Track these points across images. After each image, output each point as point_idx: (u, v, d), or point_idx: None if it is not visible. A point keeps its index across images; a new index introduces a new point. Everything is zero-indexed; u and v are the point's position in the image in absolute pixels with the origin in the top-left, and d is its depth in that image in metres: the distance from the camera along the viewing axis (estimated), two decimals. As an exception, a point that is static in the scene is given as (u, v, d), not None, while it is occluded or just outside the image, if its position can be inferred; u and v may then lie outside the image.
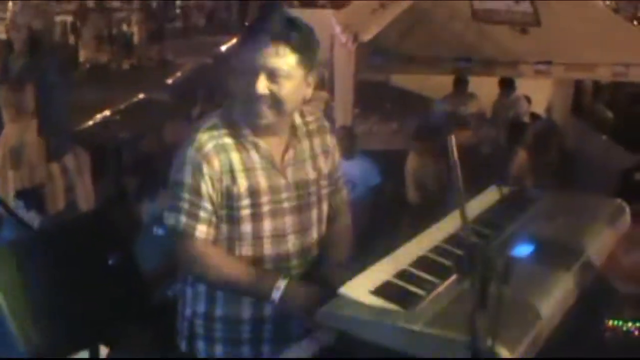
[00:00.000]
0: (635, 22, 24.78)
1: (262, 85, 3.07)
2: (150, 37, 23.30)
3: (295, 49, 3.08)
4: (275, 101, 3.12)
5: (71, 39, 21.89)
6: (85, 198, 9.11)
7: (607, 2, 28.42)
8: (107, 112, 14.28)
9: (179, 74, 19.58)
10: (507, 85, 11.44)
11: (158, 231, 6.60)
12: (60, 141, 10.64)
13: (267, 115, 3.15)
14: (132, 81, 18.71)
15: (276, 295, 3.13)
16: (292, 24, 3.11)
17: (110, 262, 4.33)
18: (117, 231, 4.97)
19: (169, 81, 17.83)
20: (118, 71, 20.86)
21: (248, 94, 3.09)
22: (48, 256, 4.10)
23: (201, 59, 20.13)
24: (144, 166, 9.65)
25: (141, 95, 16.17)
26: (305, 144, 3.38)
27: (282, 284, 3.14)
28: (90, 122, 13.24)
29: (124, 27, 23.96)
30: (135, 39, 23.19)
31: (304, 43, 3.12)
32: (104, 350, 4.59)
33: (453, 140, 2.46)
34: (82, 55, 21.31)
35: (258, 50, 3.04)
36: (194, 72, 19.07)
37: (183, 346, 3.51)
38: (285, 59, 3.07)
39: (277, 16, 3.09)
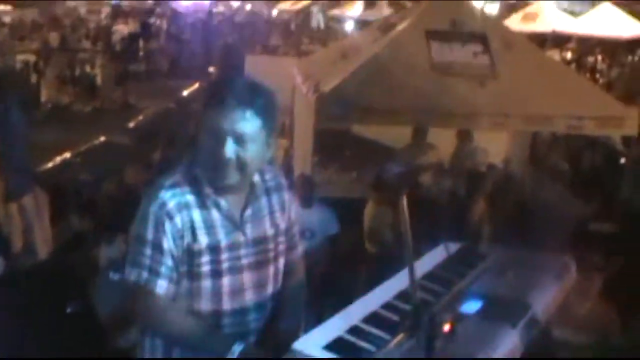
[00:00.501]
0: (597, 75, 25.24)
1: (230, 149, 3.16)
2: (114, 80, 23.24)
3: (260, 113, 3.18)
4: (241, 164, 3.21)
5: (33, 79, 21.79)
6: (43, 240, 9.06)
7: (568, 53, 28.97)
8: (67, 154, 14.23)
9: (141, 117, 19.55)
10: (464, 136, 11.53)
11: (114, 277, 6.62)
12: (20, 181, 10.60)
13: (233, 177, 3.24)
14: (93, 123, 18.64)
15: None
16: (256, 89, 3.22)
17: (68, 310, 4.36)
18: (75, 278, 5.00)
19: (131, 125, 17.80)
20: (80, 113, 20.76)
21: (215, 157, 3.17)
22: (8, 303, 4.12)
23: (163, 103, 20.12)
24: (103, 209, 9.65)
25: (102, 138, 16.13)
26: (264, 201, 3.46)
27: (237, 348, 3.18)
28: (51, 164, 13.19)
29: (87, 69, 23.89)
30: (99, 80, 23.13)
31: (268, 108, 3.22)
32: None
33: (404, 201, 2.56)
34: (44, 96, 21.18)
35: (225, 115, 3.13)
36: (156, 116, 19.06)
37: None
38: (250, 124, 3.16)
39: (241, 81, 3.20)
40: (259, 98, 3.20)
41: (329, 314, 3.18)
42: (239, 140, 3.17)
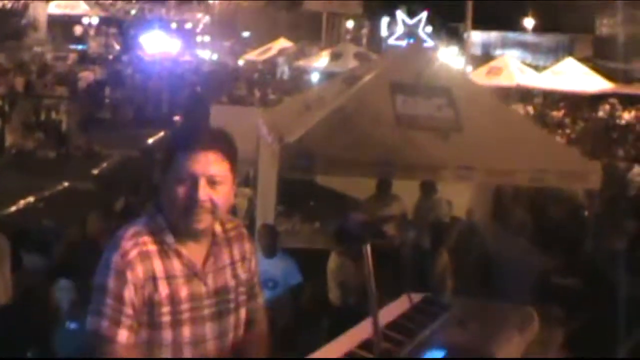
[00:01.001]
0: (561, 130, 25.54)
1: (204, 191, 3.17)
2: (79, 126, 23.20)
3: (227, 155, 3.22)
4: (213, 206, 3.22)
5: (-3, 124, 21.75)
6: (4, 288, 8.99)
7: (530, 108, 29.33)
8: (31, 199, 14.18)
9: (105, 164, 19.53)
10: (428, 188, 11.61)
11: (70, 325, 6.58)
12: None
13: (205, 220, 3.25)
14: (58, 169, 18.60)
15: None
16: (222, 133, 3.26)
17: (28, 355, 4.33)
18: (35, 325, 4.96)
19: (95, 171, 17.77)
20: (44, 158, 20.70)
21: (188, 200, 3.18)
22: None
23: (128, 151, 20.10)
24: (63, 255, 9.59)
25: (66, 184, 16.08)
26: (225, 251, 3.46)
27: None
28: (14, 208, 13.13)
29: (53, 115, 23.85)
30: (64, 126, 23.07)
31: (233, 151, 3.26)
32: None
33: (368, 249, 2.58)
34: (9, 140, 21.12)
35: (197, 158, 3.15)
36: (120, 164, 19.05)
37: None
38: (220, 166, 3.19)
39: (207, 127, 3.22)
40: (225, 141, 3.24)
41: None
42: (210, 182, 3.18)
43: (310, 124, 9.38)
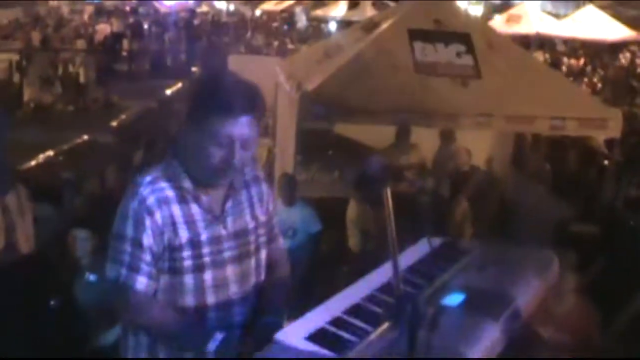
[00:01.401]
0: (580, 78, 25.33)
1: (239, 154, 3.19)
2: (97, 79, 23.17)
3: (261, 116, 3.26)
4: (242, 165, 3.27)
5: (16, 78, 21.69)
6: (26, 239, 9.03)
7: (547, 55, 29.08)
8: (50, 153, 14.20)
9: (123, 117, 19.50)
10: (447, 136, 11.55)
11: (89, 277, 6.61)
12: (1, 180, 10.56)
13: (231, 177, 3.31)
14: (76, 122, 18.59)
15: (212, 347, 3.17)
16: (256, 91, 3.24)
17: (51, 304, 4.35)
18: (58, 274, 4.98)
19: (114, 124, 17.76)
20: (63, 112, 20.69)
21: (222, 162, 3.19)
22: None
23: (146, 102, 20.07)
24: (83, 208, 9.62)
25: (85, 137, 16.09)
26: (243, 194, 3.47)
27: (219, 336, 3.19)
28: (33, 162, 13.16)
29: (70, 68, 23.80)
30: (81, 80, 23.04)
31: (265, 110, 3.25)
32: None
33: (388, 192, 2.56)
34: (27, 95, 21.10)
35: (234, 122, 3.14)
36: (139, 115, 19.02)
37: None
38: (254, 128, 3.20)
39: (244, 86, 3.19)
40: (261, 103, 3.25)
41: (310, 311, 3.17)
42: (244, 144, 3.20)
43: (328, 72, 9.33)
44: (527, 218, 9.82)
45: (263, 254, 3.57)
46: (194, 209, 3.29)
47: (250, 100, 3.19)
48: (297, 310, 3.43)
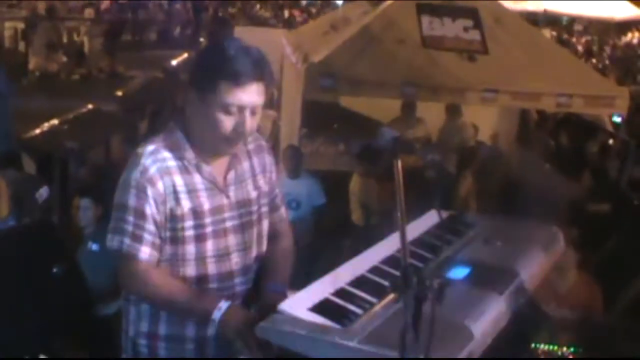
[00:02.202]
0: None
1: (249, 122, 3.18)
2: (102, 48, 23.16)
3: (269, 84, 3.22)
4: (249, 133, 3.27)
5: (21, 46, 21.66)
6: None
7: (554, 33, 28.99)
8: (55, 121, 14.16)
9: (129, 86, 19.44)
10: (453, 111, 11.54)
11: (92, 246, 6.61)
12: (7, 149, 10.57)
13: (239, 145, 3.32)
14: (81, 91, 18.57)
15: (217, 315, 3.17)
16: (264, 58, 3.21)
17: (54, 270, 4.34)
18: (62, 241, 4.98)
19: (119, 93, 17.71)
20: (68, 81, 20.67)
21: (232, 131, 3.17)
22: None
23: (152, 72, 20.01)
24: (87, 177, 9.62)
25: (90, 106, 16.06)
26: (246, 164, 3.46)
27: (224, 305, 3.19)
28: (38, 131, 13.12)
29: (75, 37, 23.76)
30: (86, 49, 23.01)
31: (273, 78, 3.24)
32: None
33: (399, 164, 2.54)
34: (32, 63, 21.07)
35: (244, 89, 3.12)
36: (144, 85, 18.95)
37: None
38: (263, 95, 3.19)
39: (254, 53, 3.17)
40: (269, 70, 3.23)
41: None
42: (253, 112, 3.19)
43: (335, 44, 9.33)
44: (532, 195, 9.79)
45: (265, 224, 3.56)
46: (197, 178, 3.28)
47: (260, 66, 3.16)
48: (300, 282, 3.43)
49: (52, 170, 9.74)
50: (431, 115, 11.73)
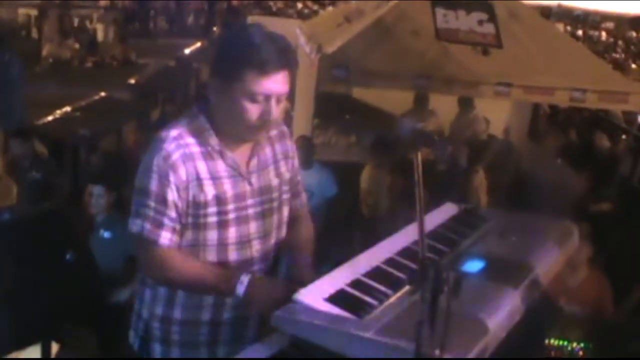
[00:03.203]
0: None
1: (274, 110, 3.18)
2: (114, 36, 23.19)
3: (294, 72, 3.21)
4: (274, 121, 3.28)
5: (35, 33, 21.70)
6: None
7: (569, 28, 28.92)
8: (67, 108, 14.18)
9: (141, 74, 19.47)
10: (466, 104, 11.53)
11: (103, 234, 6.63)
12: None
13: (265, 132, 3.34)
14: (94, 79, 18.60)
15: (240, 289, 3.19)
16: (289, 46, 3.21)
17: (67, 257, 4.35)
18: (74, 228, 4.99)
19: (132, 81, 17.72)
20: (80, 68, 20.70)
21: (258, 119, 3.17)
22: (6, 247, 4.10)
23: (164, 60, 20.04)
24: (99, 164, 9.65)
25: (102, 94, 16.08)
26: (268, 150, 3.46)
27: (245, 278, 3.20)
28: (50, 117, 13.14)
29: (88, 24, 23.78)
30: (99, 36, 23.03)
31: (297, 66, 3.24)
32: (55, 348, 4.61)
33: (419, 157, 2.54)
34: (45, 50, 21.10)
35: (271, 78, 3.11)
36: (157, 73, 18.97)
37: (136, 346, 3.55)
38: (288, 84, 3.19)
39: (280, 41, 3.16)
40: (294, 57, 3.22)
41: (326, 272, 3.17)
42: (279, 100, 3.19)
43: (349, 36, 9.31)
44: (543, 189, 9.78)
45: (285, 211, 3.58)
46: (220, 165, 3.27)
47: (286, 55, 3.15)
48: (313, 272, 3.44)
49: (64, 157, 9.77)
50: (443, 108, 11.72)
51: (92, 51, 22.13)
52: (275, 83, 3.12)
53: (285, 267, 3.57)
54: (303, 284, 3.00)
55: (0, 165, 9.34)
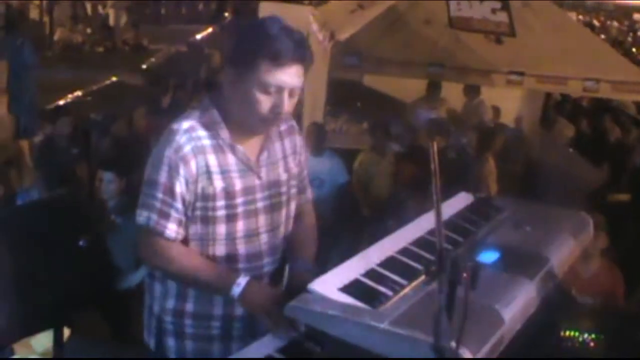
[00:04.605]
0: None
1: (287, 103, 3.16)
2: (126, 21, 23.19)
3: (308, 66, 3.18)
4: (287, 114, 3.27)
5: (46, 18, 21.68)
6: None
7: (581, 17, 28.84)
8: (79, 93, 14.22)
9: (153, 59, 19.48)
10: (471, 90, 11.55)
11: (117, 219, 6.63)
12: (31, 119, 10.64)
13: (277, 125, 3.33)
14: (105, 63, 18.61)
15: (236, 291, 3.18)
16: (304, 40, 3.18)
17: (80, 243, 4.34)
18: (87, 213, 4.99)
19: (143, 66, 17.75)
20: (92, 53, 20.72)
21: (270, 112, 3.15)
22: (20, 233, 4.10)
23: (176, 46, 20.05)
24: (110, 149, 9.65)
25: (114, 78, 16.11)
26: (278, 145, 3.44)
27: (243, 281, 3.20)
28: (61, 102, 13.18)
29: (100, 9, 23.79)
30: (111, 21, 23.04)
31: (312, 59, 3.21)
32: (66, 333, 4.61)
33: (435, 146, 2.52)
34: (57, 35, 21.12)
35: (285, 70, 3.08)
36: (168, 58, 18.99)
37: (152, 343, 3.53)
38: (301, 78, 3.16)
39: (295, 34, 3.13)
40: (309, 50, 3.18)
41: (335, 262, 3.16)
42: (291, 93, 3.17)
43: (362, 23, 9.29)
44: (554, 178, 9.77)
45: (293, 205, 3.56)
46: (230, 158, 3.26)
47: (301, 48, 3.12)
48: (323, 260, 3.44)
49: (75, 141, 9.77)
50: (452, 96, 11.72)
51: (104, 36, 22.14)
52: (289, 75, 3.09)
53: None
54: (301, 283, 2.99)
55: (26, 148, 9.38)
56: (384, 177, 8.90)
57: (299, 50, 3.10)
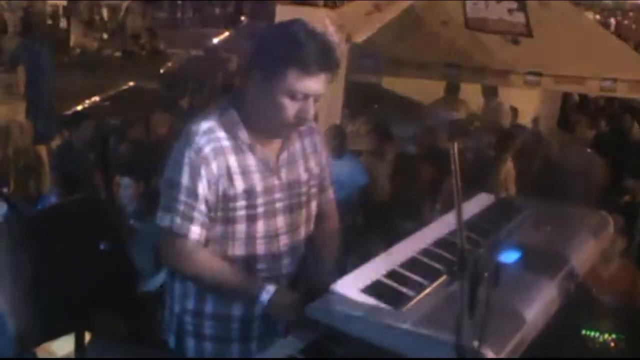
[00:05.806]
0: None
1: (312, 110, 3.17)
2: (143, 26, 23.25)
3: (335, 73, 3.18)
4: (310, 119, 3.29)
5: (63, 23, 21.76)
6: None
7: (597, 16, 28.73)
8: (96, 98, 14.26)
9: (170, 64, 19.52)
10: (490, 92, 11.53)
11: (135, 224, 6.65)
12: (48, 124, 10.68)
13: (297, 129, 3.33)
14: (122, 69, 18.67)
15: (265, 297, 3.20)
16: (333, 47, 3.17)
17: (101, 247, 4.37)
18: (108, 217, 5.01)
19: (160, 71, 17.77)
20: (109, 58, 20.77)
21: (295, 118, 3.16)
22: (42, 237, 4.13)
23: (192, 50, 20.08)
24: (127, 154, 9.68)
25: (131, 83, 16.15)
26: (298, 145, 3.45)
27: (271, 288, 3.22)
28: (79, 107, 13.22)
29: (117, 14, 23.88)
30: (128, 26, 23.09)
31: (339, 67, 3.21)
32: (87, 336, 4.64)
33: (456, 146, 2.52)
34: (73, 40, 21.19)
35: (313, 78, 3.08)
36: (185, 63, 19.02)
37: (172, 342, 3.55)
38: (327, 84, 3.16)
39: (323, 40, 3.12)
40: (336, 57, 3.17)
41: (355, 263, 3.17)
42: (317, 99, 3.17)
43: (378, 25, 9.28)
44: (573, 179, 9.73)
45: (313, 205, 3.56)
46: (250, 159, 3.26)
47: (330, 56, 3.11)
48: (344, 262, 3.44)
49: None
50: (470, 98, 11.70)
51: (121, 41, 22.20)
52: (317, 83, 3.09)
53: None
54: (322, 285, 3.00)
55: (44, 153, 9.41)
56: (383, 179, 8.91)
57: (328, 58, 3.10)
